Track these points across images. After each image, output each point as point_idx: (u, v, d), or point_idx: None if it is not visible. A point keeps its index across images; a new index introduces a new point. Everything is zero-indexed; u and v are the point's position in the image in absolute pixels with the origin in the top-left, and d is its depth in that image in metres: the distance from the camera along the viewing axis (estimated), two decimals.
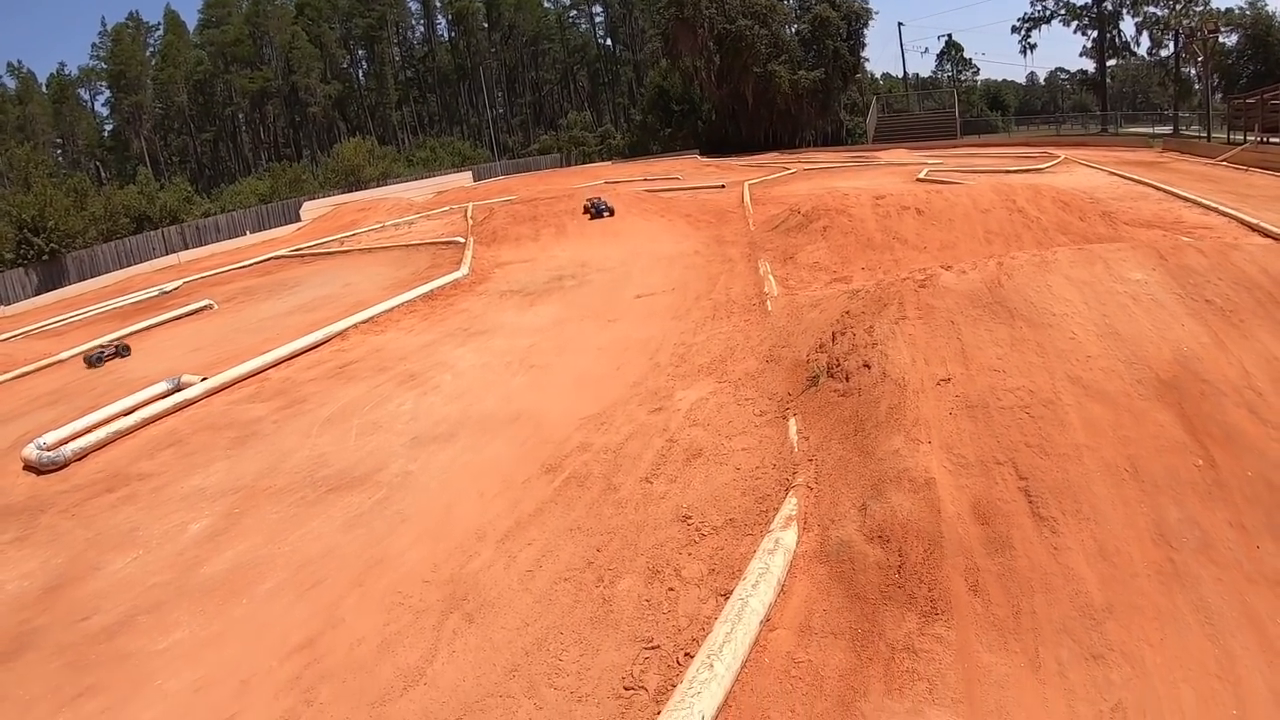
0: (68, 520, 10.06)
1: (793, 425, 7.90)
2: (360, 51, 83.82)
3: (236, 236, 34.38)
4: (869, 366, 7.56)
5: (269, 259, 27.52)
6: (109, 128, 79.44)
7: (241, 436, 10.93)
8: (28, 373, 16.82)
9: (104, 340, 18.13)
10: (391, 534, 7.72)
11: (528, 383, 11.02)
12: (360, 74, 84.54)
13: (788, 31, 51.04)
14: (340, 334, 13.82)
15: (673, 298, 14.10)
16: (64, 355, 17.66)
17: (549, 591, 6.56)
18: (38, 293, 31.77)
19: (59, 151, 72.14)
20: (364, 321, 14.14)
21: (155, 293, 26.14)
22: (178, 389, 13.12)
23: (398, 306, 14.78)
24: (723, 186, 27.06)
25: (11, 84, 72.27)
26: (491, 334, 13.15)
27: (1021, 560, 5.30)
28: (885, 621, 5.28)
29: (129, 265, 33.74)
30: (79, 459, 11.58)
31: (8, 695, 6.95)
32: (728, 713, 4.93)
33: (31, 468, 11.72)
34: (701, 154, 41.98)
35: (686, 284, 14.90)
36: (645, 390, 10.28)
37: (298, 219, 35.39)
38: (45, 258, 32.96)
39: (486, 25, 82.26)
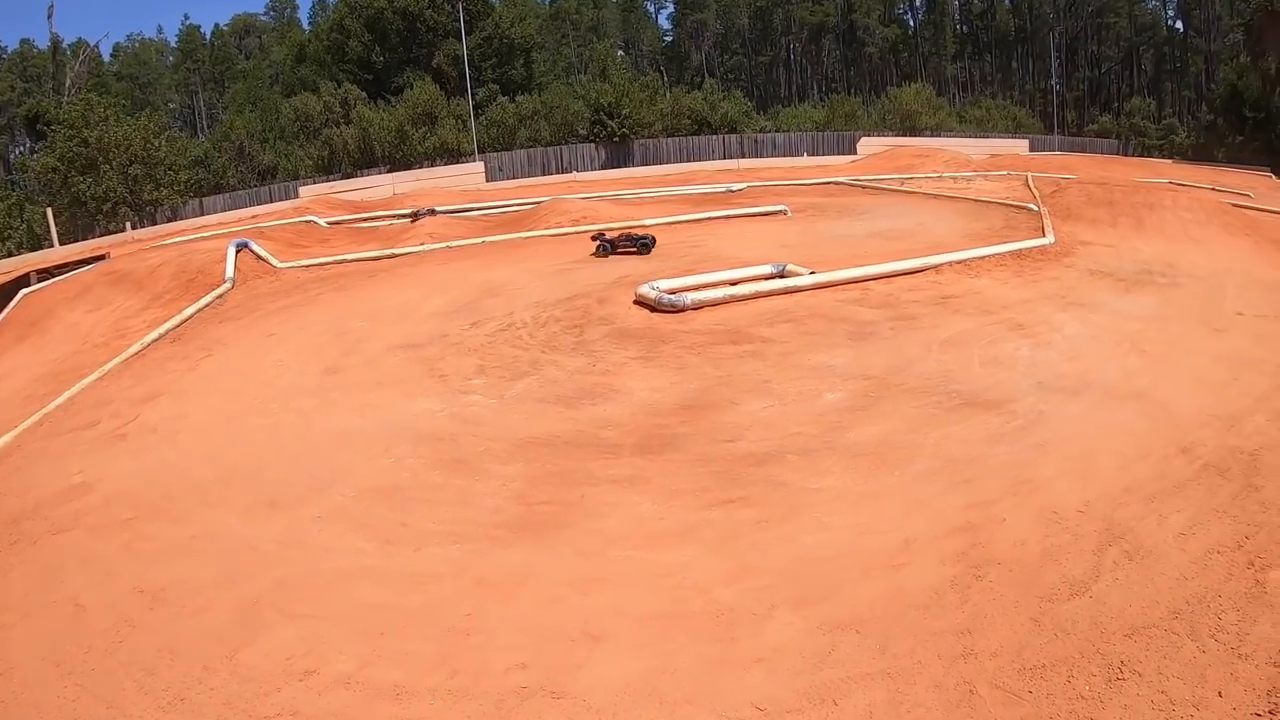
0: (694, 355, 11.81)
1: None
2: (918, 1, 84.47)
3: (792, 155, 37.24)
4: None
5: (829, 182, 29.38)
6: (668, 39, 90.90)
7: (858, 332, 12.17)
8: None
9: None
10: (1034, 461, 8.31)
11: (1143, 366, 10.90)
12: (914, 21, 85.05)
13: None
14: (935, 267, 14.62)
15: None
16: (649, 221, 20.69)
17: (1203, 558, 6.79)
18: (604, 167, 37.13)
19: (620, 54, 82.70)
20: (957, 262, 14.83)
21: (723, 189, 29.35)
22: (782, 275, 14.73)
23: (989, 256, 15.23)
24: None
25: None
26: (1090, 309, 13.05)
27: None
28: None
29: (688, 161, 37.98)
30: (696, 309, 13.47)
31: (652, 480, 8.50)
32: None
33: (645, 305, 13.76)
34: (1274, 173, 36.14)
35: None
36: (1270, 408, 9.79)
37: (853, 151, 37.23)
38: (615, 139, 38.50)
39: None
